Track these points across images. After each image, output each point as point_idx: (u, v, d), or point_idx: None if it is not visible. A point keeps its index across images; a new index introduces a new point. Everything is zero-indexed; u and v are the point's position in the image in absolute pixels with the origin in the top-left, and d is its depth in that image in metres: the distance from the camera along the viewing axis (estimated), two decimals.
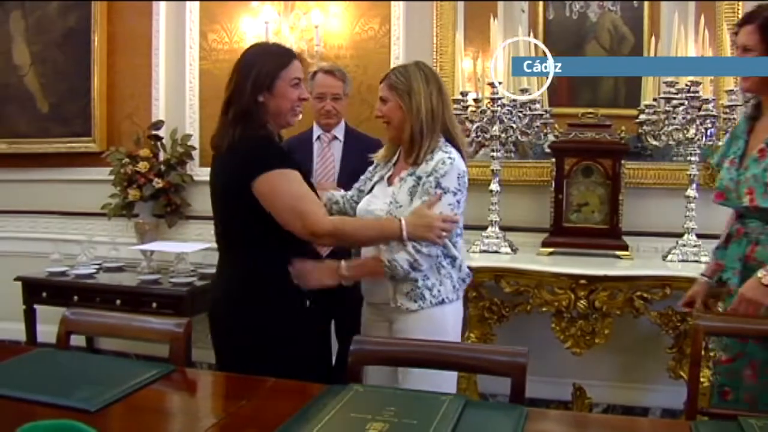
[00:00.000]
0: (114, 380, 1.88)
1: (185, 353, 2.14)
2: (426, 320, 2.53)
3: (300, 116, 2.60)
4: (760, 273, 2.36)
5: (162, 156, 4.81)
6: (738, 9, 3.78)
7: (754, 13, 2.50)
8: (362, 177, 2.89)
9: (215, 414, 1.79)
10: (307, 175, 2.50)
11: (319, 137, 3.70)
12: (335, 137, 3.70)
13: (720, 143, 3.63)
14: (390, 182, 2.67)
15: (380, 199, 2.64)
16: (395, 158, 2.74)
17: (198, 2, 4.82)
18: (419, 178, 2.52)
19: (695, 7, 3.85)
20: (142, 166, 4.66)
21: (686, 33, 3.51)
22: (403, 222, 2.41)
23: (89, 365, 2.10)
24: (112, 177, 4.75)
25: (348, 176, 3.47)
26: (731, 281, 2.54)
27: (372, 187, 2.74)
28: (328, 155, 3.68)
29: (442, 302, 2.55)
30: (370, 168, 2.87)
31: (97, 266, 4.64)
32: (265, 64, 2.46)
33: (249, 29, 4.53)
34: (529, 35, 3.90)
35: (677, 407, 3.58)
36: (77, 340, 3.80)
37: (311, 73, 3.65)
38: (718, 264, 2.70)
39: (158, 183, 4.65)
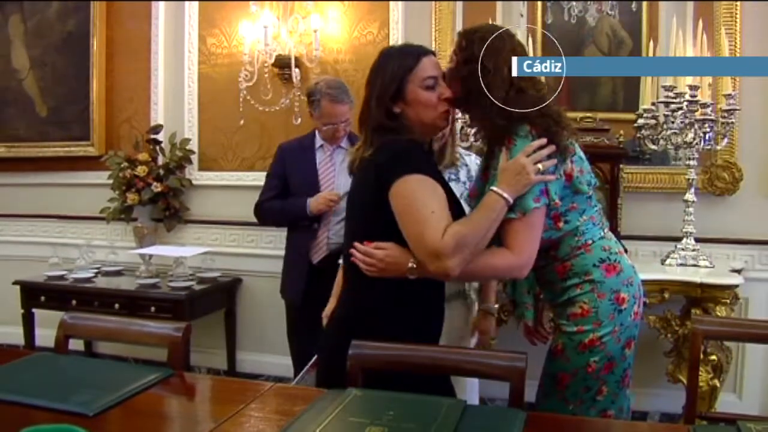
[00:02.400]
0: (112, 384, 1.88)
1: (184, 357, 2.14)
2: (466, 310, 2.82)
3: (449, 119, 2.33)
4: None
5: (161, 160, 4.81)
6: (736, 13, 3.79)
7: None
8: None
9: (213, 418, 1.79)
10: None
11: (321, 146, 3.70)
12: (339, 146, 3.69)
13: (718, 147, 3.65)
14: None
15: None
16: None
17: (197, 6, 4.83)
18: (464, 183, 2.68)
19: (693, 12, 3.86)
20: (141, 170, 4.66)
21: (684, 37, 3.51)
22: (497, 189, 2.07)
23: (87, 369, 2.10)
24: (110, 181, 4.75)
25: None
26: (526, 317, 2.57)
27: None
28: (330, 163, 3.69)
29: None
30: None
31: (95, 270, 4.65)
32: (388, 71, 2.16)
33: (248, 33, 4.53)
34: (527, 39, 3.90)
35: (676, 411, 3.58)
36: (75, 344, 3.81)
37: (313, 97, 3.58)
38: (512, 301, 2.71)
39: (157, 187, 4.65)
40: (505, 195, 2.05)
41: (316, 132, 3.73)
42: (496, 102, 2.12)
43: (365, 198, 2.15)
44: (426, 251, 1.97)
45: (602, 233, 2.31)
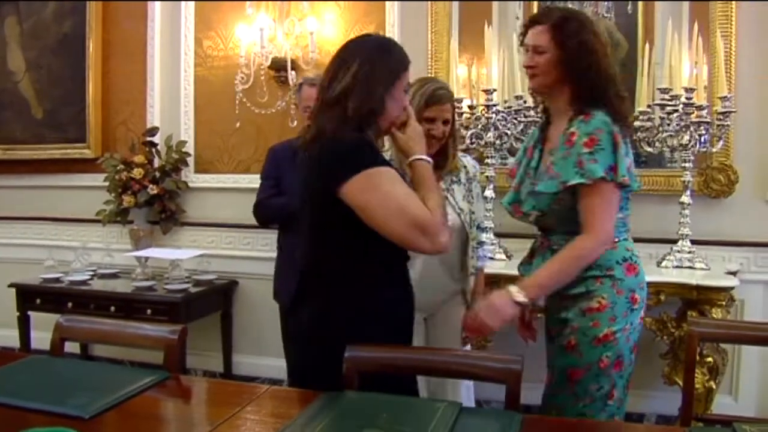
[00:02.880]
0: (108, 387, 1.88)
1: (180, 360, 2.14)
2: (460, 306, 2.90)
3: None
4: (512, 288, 2.24)
5: (157, 162, 4.81)
6: (731, 16, 3.79)
7: (545, 13, 2.44)
8: None
9: (210, 421, 1.78)
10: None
11: None
12: None
13: (714, 150, 3.65)
14: None
15: None
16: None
17: (193, 8, 4.84)
18: (464, 185, 2.84)
19: (689, 14, 3.86)
20: (137, 172, 4.65)
21: (680, 40, 3.52)
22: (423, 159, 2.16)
23: (83, 372, 2.10)
24: (106, 183, 4.75)
25: None
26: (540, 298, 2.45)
27: None
28: None
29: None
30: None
31: (91, 273, 4.64)
32: (390, 63, 2.13)
33: (244, 36, 4.53)
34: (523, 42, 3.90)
35: (672, 413, 3.58)
36: (71, 347, 3.80)
37: (298, 84, 3.64)
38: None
39: (153, 189, 4.64)
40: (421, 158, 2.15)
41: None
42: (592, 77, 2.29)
43: (316, 199, 2.10)
44: (418, 230, 1.95)
45: (627, 235, 2.43)
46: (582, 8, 4.11)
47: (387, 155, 2.61)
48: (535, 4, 4.27)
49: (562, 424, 1.97)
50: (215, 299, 4.61)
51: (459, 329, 2.75)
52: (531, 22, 2.42)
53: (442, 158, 2.76)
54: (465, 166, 2.90)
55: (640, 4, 4.12)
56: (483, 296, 2.53)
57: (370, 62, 2.09)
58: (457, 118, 3.65)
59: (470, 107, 3.95)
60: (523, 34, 2.45)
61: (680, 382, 3.01)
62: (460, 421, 1.68)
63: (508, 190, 2.57)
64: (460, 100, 3.93)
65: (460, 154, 2.94)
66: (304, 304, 2.16)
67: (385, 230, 1.98)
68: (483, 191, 2.96)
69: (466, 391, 2.84)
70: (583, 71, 2.30)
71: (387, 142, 2.63)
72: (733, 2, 3.80)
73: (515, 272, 3.02)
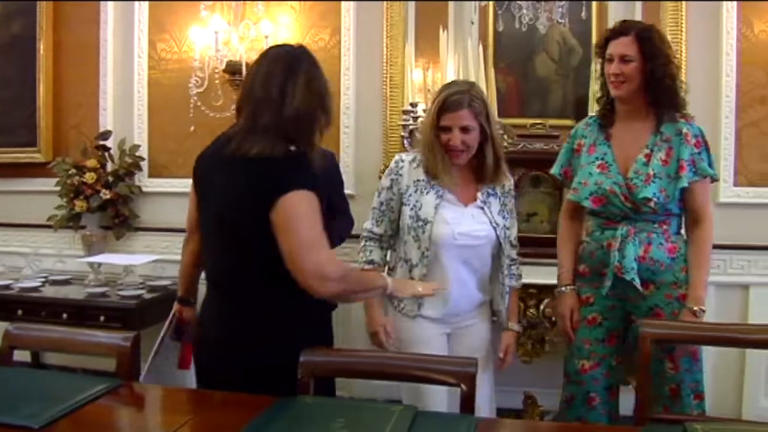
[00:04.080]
0: (59, 396, 1.86)
1: (132, 367, 2.12)
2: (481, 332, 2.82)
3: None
4: (691, 306, 2.64)
5: (110, 167, 4.74)
6: (681, 23, 3.89)
7: (628, 25, 2.75)
8: (381, 207, 2.76)
9: (163, 428, 1.77)
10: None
11: None
12: None
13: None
14: (465, 204, 2.67)
15: (470, 222, 2.65)
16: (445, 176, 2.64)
17: (146, 11, 4.78)
18: (499, 198, 2.73)
19: (641, 20, 3.93)
20: (89, 176, 4.58)
21: None
22: (391, 282, 2.33)
23: (33, 381, 2.06)
24: (58, 188, 4.66)
25: None
26: (635, 281, 2.66)
27: (434, 211, 2.62)
28: None
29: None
30: (387, 189, 2.73)
31: (42, 279, 4.54)
32: (322, 78, 2.23)
33: (198, 39, 4.49)
34: (478, 47, 3.93)
35: (627, 413, 3.62)
36: (22, 356, 3.73)
37: None
38: (582, 272, 2.88)
39: (106, 194, 4.57)
40: (390, 289, 2.33)
41: None
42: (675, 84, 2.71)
43: (246, 205, 2.11)
44: (311, 269, 2.01)
45: None
46: (537, 14, 4.15)
47: (407, 161, 2.71)
48: (491, 7, 4.30)
49: (517, 426, 1.99)
50: (170, 305, 4.51)
51: (482, 346, 2.76)
52: (615, 34, 2.72)
53: (480, 168, 2.68)
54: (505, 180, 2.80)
55: (593, 10, 4.19)
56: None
57: (311, 76, 2.17)
58: (411, 122, 3.65)
59: (425, 111, 3.96)
60: (603, 46, 2.77)
61: (634, 383, 3.05)
62: (415, 424, 1.68)
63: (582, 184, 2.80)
64: (415, 104, 3.96)
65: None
66: (232, 307, 2.22)
67: (286, 250, 2.03)
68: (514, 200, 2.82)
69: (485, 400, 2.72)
70: (663, 78, 2.64)
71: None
72: (683, 2, 3.89)
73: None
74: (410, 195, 2.67)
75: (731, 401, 3.98)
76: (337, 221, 3.13)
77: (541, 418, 3.77)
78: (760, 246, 3.95)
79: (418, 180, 2.67)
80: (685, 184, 2.64)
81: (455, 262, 2.63)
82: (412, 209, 2.64)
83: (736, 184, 3.96)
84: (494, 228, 2.65)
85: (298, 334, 2.14)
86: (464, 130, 2.57)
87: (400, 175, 2.70)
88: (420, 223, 2.61)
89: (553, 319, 3.47)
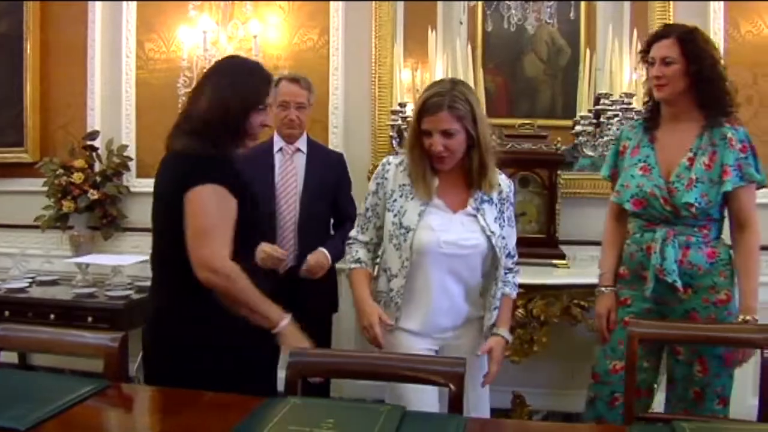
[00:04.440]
0: (46, 397, 1.84)
1: (120, 368, 2.10)
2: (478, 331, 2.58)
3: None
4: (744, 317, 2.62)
5: (97, 167, 4.72)
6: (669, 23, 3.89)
7: (670, 28, 2.75)
8: (366, 213, 2.60)
9: (151, 430, 1.76)
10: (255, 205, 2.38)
11: (281, 149, 3.52)
12: (298, 149, 3.53)
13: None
14: (454, 210, 2.46)
15: (459, 229, 2.43)
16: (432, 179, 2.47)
17: (135, 10, 4.76)
18: (496, 205, 2.50)
19: (629, 21, 3.95)
20: (77, 177, 4.56)
21: (620, 45, 3.59)
22: (285, 322, 2.26)
23: (20, 382, 2.03)
24: (45, 188, 4.64)
25: (311, 191, 3.43)
26: (677, 283, 2.65)
27: (418, 217, 2.43)
28: (290, 168, 3.49)
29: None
30: (373, 194, 2.57)
31: (30, 280, 4.52)
32: (254, 82, 2.37)
33: (186, 38, 4.48)
34: (467, 47, 3.94)
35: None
36: (9, 357, 3.71)
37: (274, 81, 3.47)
38: (621, 274, 2.86)
39: (93, 194, 4.55)
40: (279, 328, 2.25)
41: (275, 135, 3.54)
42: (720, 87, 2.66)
43: (170, 198, 2.25)
44: (204, 261, 2.15)
45: None
46: (525, 14, 4.16)
47: (394, 164, 2.56)
48: (479, 7, 4.31)
49: (506, 426, 1.99)
50: None
51: (475, 365, 2.45)
52: (657, 37, 2.72)
53: (470, 175, 2.46)
54: (499, 184, 2.53)
55: (582, 10, 4.20)
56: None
57: (231, 83, 2.31)
58: (400, 122, 3.61)
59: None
60: (646, 50, 2.76)
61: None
62: (403, 424, 1.68)
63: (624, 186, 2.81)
64: (404, 105, 3.96)
65: (498, 172, 2.54)
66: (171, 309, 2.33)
67: (186, 240, 2.18)
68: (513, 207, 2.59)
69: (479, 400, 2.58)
70: (710, 80, 2.62)
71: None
72: (671, 2, 3.91)
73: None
74: (395, 200, 2.48)
75: None
76: (347, 228, 3.01)
77: (529, 418, 3.78)
78: None
79: (403, 184, 2.49)
80: (729, 189, 2.61)
81: (440, 272, 2.42)
82: (395, 215, 2.46)
83: None
84: (488, 237, 2.42)
85: (224, 335, 2.25)
86: (445, 134, 2.35)
87: (386, 178, 2.52)
88: (402, 231, 2.42)
89: (542, 318, 3.48)
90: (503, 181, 2.56)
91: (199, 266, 2.15)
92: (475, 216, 2.44)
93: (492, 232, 2.43)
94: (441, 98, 2.35)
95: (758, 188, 2.70)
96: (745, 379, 3.92)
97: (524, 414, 3.77)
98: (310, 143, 3.57)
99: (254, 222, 2.38)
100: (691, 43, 2.63)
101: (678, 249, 2.65)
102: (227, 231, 2.21)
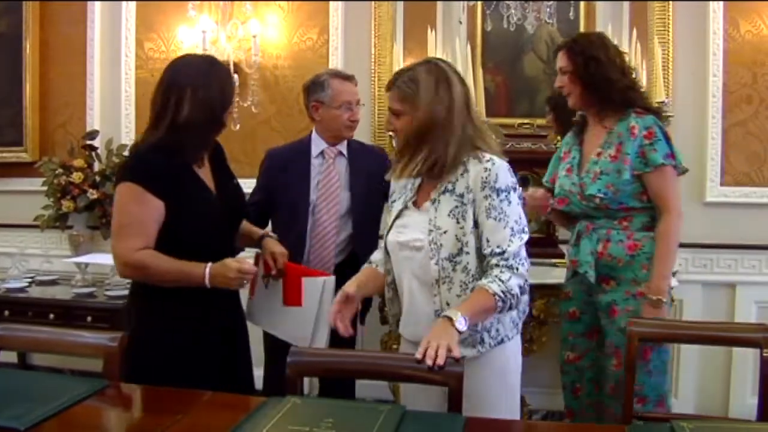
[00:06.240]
0: (45, 397, 1.84)
1: (120, 368, 2.10)
2: (485, 366, 2.19)
3: None
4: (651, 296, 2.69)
5: (97, 166, 4.71)
6: (668, 23, 3.90)
7: (566, 39, 2.98)
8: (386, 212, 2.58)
9: (151, 429, 1.76)
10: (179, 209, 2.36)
11: (322, 153, 3.22)
12: (340, 152, 3.25)
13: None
14: (418, 206, 2.28)
15: (414, 228, 2.24)
16: (417, 178, 2.32)
17: (134, 10, 4.76)
18: (461, 195, 2.17)
19: (628, 21, 3.95)
20: (77, 176, 4.56)
21: (620, 45, 3.58)
22: (207, 269, 2.31)
23: (19, 382, 2.04)
24: (45, 188, 4.63)
25: (359, 197, 3.19)
26: (588, 274, 2.77)
27: (397, 216, 2.33)
28: (332, 175, 3.20)
29: (501, 342, 2.23)
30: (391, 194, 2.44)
31: (29, 280, 4.53)
32: (224, 77, 2.47)
33: (186, 38, 4.48)
34: (467, 47, 3.94)
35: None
36: (8, 357, 3.71)
37: (319, 81, 3.22)
38: (573, 261, 2.94)
39: (93, 194, 4.55)
40: (206, 280, 2.31)
41: (313, 136, 3.28)
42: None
43: None
44: (116, 257, 2.34)
45: None
46: (525, 13, 4.16)
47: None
48: (479, 6, 4.31)
49: (505, 425, 1.99)
50: None
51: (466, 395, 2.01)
52: (555, 51, 2.93)
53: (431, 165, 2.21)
54: (467, 172, 2.19)
55: (582, 10, 4.20)
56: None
57: (208, 83, 2.39)
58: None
59: None
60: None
61: None
62: (403, 424, 1.68)
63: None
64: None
65: (475, 156, 2.20)
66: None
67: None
68: (498, 193, 2.15)
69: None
70: (604, 80, 2.74)
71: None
72: (670, 2, 3.91)
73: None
74: (394, 201, 2.39)
75: (718, 399, 4.01)
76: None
77: (529, 417, 3.78)
78: (746, 245, 3.97)
79: (404, 185, 2.36)
80: (627, 177, 2.70)
81: (406, 275, 2.26)
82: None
83: (722, 184, 3.98)
84: (429, 231, 2.18)
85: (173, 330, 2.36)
86: (393, 113, 2.24)
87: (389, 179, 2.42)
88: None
89: (542, 318, 3.48)
90: (481, 167, 2.18)
91: (114, 261, 2.36)
92: (434, 210, 2.20)
93: (436, 227, 2.17)
94: (394, 77, 2.27)
95: (680, 174, 2.81)
96: (744, 379, 3.95)
97: (523, 413, 3.77)
98: (349, 143, 3.29)
99: (201, 225, 2.40)
100: (575, 50, 2.81)
101: (597, 242, 2.78)
102: (141, 228, 2.30)
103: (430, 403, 2.08)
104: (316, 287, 2.73)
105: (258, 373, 3.16)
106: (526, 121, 3.96)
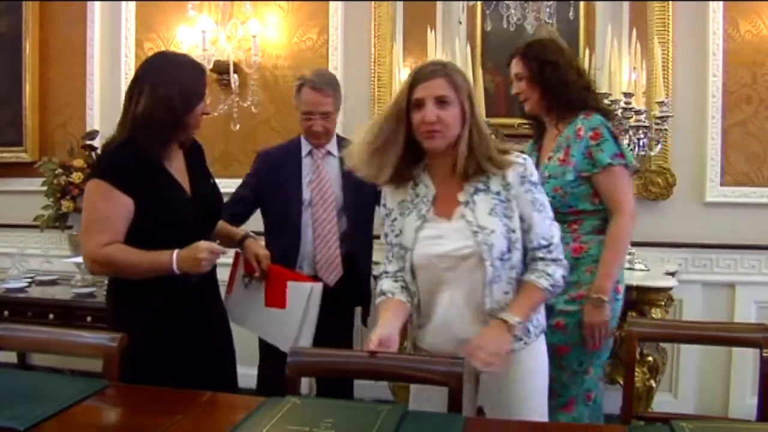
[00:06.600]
0: (45, 397, 1.84)
1: (119, 368, 2.10)
2: (529, 355, 2.18)
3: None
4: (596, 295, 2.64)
5: None
6: (668, 23, 3.90)
7: (520, 45, 2.90)
8: (385, 239, 2.29)
9: (151, 429, 1.75)
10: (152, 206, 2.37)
11: (310, 152, 3.27)
12: (329, 152, 3.28)
13: (652, 153, 3.74)
14: (444, 215, 2.15)
15: (453, 236, 2.10)
16: (429, 189, 2.19)
17: (134, 10, 4.76)
18: (498, 193, 2.10)
19: (628, 21, 3.96)
20: (76, 176, 4.55)
21: (620, 45, 3.59)
22: (174, 255, 2.32)
23: (19, 382, 2.04)
24: (44, 188, 4.63)
25: (351, 196, 3.21)
26: None
27: (417, 230, 2.16)
28: (323, 174, 3.24)
29: (542, 332, 2.24)
30: (385, 217, 2.29)
31: (29, 280, 4.52)
32: (190, 76, 2.45)
33: (186, 38, 4.48)
34: (466, 47, 3.93)
35: (613, 412, 3.63)
36: (8, 357, 3.71)
37: (297, 84, 3.25)
38: None
39: None
40: (174, 265, 2.31)
41: (302, 138, 3.32)
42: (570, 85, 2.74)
43: None
44: (84, 253, 2.39)
45: None
46: (525, 13, 4.16)
47: None
48: (479, 7, 4.31)
49: (504, 425, 1.98)
50: None
51: (512, 382, 2.15)
52: (510, 58, 2.88)
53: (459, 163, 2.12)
54: (502, 168, 2.12)
55: (581, 10, 4.19)
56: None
57: (170, 80, 2.38)
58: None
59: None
60: (508, 64, 2.91)
61: (621, 381, 3.07)
62: (403, 424, 1.68)
63: None
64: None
65: (513, 153, 2.16)
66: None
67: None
68: (535, 186, 2.14)
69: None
70: (559, 83, 2.72)
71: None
72: (670, 2, 3.91)
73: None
74: (395, 219, 2.23)
75: (718, 399, 4.00)
76: None
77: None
78: (746, 245, 3.97)
79: (402, 201, 2.22)
80: (571, 178, 2.67)
81: (446, 287, 2.13)
82: (397, 236, 2.22)
83: (722, 184, 3.98)
84: (474, 233, 2.08)
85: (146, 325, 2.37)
86: (440, 102, 2.05)
87: (385, 197, 2.28)
88: (403, 252, 2.18)
89: None
90: (514, 162, 2.13)
91: (83, 259, 2.42)
92: (464, 217, 2.11)
93: (481, 227, 2.08)
94: (438, 67, 2.11)
95: (633, 173, 2.84)
96: (744, 379, 3.95)
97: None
98: (341, 143, 3.23)
99: (172, 223, 2.41)
100: (529, 55, 2.79)
101: None
102: (108, 224, 2.31)
103: (443, 403, 1.97)
104: (303, 292, 2.77)
105: (252, 373, 3.18)
106: (525, 121, 3.96)
